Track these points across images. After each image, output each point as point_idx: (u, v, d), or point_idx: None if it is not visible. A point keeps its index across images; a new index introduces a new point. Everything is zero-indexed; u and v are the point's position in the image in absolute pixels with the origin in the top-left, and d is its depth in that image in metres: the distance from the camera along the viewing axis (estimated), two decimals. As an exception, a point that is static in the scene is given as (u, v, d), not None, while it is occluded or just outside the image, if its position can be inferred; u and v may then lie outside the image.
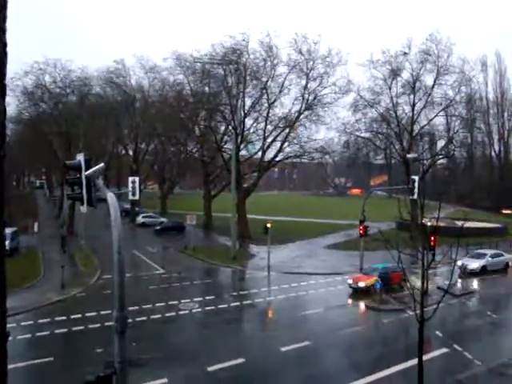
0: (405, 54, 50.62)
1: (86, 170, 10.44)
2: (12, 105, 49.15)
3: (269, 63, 49.39)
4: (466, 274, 33.14)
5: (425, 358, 15.41)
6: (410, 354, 17.48)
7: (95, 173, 10.58)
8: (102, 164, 11.13)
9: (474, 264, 35.17)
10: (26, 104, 53.41)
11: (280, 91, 50.70)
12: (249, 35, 48.00)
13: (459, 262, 31.91)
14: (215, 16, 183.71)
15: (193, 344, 20.51)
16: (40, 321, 23.24)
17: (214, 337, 21.49)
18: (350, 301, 28.37)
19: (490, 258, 36.50)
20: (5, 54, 0.96)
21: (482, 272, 35.14)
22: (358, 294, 29.23)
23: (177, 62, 52.46)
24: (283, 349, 19.73)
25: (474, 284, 32.60)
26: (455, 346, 20.12)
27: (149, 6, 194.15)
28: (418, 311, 14.26)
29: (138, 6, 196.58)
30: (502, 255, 36.62)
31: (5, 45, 0.96)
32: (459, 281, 31.01)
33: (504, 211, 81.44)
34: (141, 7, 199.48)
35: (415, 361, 15.12)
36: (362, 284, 29.38)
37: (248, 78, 50.00)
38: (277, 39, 49.33)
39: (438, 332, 21.30)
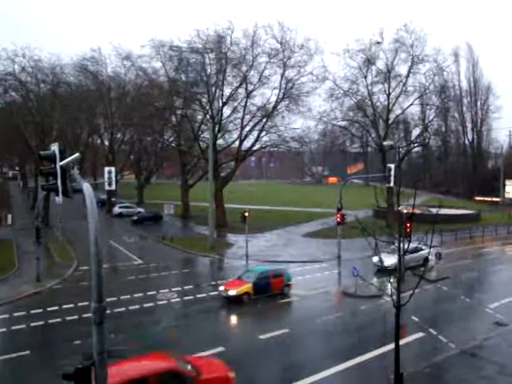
0: (378, 43, 51.09)
1: (60, 161, 10.25)
2: None
3: (250, 53, 49.19)
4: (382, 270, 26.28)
5: (401, 342, 15.76)
6: (387, 339, 17.84)
7: (70, 163, 10.40)
8: (77, 154, 10.95)
9: (389, 260, 29.16)
10: None
11: (259, 80, 50.60)
12: (232, 25, 47.73)
13: (375, 259, 28.81)
14: (195, 4, 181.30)
15: (172, 334, 20.49)
16: (15, 314, 22.86)
17: (192, 326, 21.51)
18: (326, 288, 28.63)
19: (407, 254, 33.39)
20: None
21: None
22: (230, 303, 24.86)
23: (154, 49, 51.66)
24: (262, 336, 19.88)
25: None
26: (430, 330, 20.61)
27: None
28: (395, 297, 14.54)
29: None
30: (421, 249, 30.97)
31: None
32: (433, 267, 31.58)
33: (477, 198, 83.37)
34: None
35: (392, 345, 15.44)
36: (232, 292, 24.90)
37: (228, 67, 49.73)
38: (255, 28, 48.79)
39: (414, 317, 21.75)
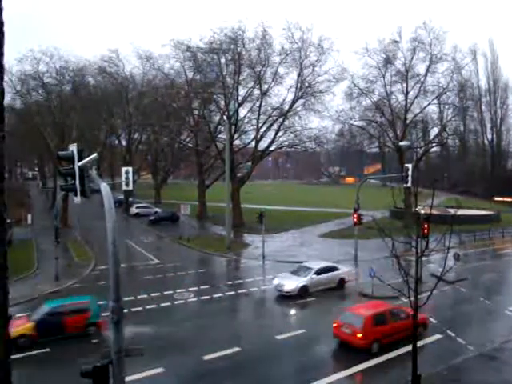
0: (395, 42, 50.63)
1: (79, 161, 10.40)
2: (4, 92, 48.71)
3: (263, 52, 49.21)
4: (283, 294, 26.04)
5: (419, 344, 15.61)
6: (405, 341, 17.70)
7: (88, 163, 10.55)
8: (95, 154, 11.09)
9: (291, 284, 26.28)
10: (18, 93, 52.90)
11: (273, 80, 50.59)
12: (244, 24, 47.86)
13: (275, 281, 27.04)
14: (213, 4, 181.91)
15: (188, 333, 20.60)
16: (35, 312, 23.19)
17: (209, 326, 21.58)
18: (343, 289, 28.45)
19: (314, 275, 27.03)
20: (2, 33, 0.96)
21: (303, 294, 26.11)
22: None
23: (174, 49, 51.92)
24: (278, 337, 19.88)
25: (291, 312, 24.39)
26: (449, 332, 20.37)
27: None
28: (412, 298, 14.40)
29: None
30: (335, 269, 27.94)
31: (2, 24, 0.96)
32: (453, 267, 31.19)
33: (496, 198, 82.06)
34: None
35: (409, 347, 15.30)
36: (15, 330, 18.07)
37: (242, 67, 49.83)
38: (271, 28, 48.91)
39: (432, 318, 21.52)
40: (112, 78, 61.60)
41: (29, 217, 44.23)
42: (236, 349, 18.41)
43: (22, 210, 49.55)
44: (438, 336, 20.05)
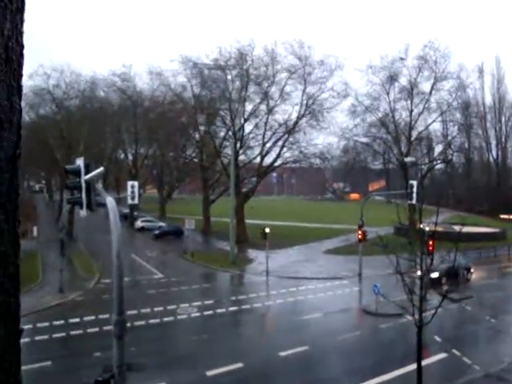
0: (401, 59, 51.03)
1: (85, 175, 10.50)
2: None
3: (270, 69, 49.70)
4: None
5: (423, 363, 15.45)
6: (409, 359, 17.51)
7: (95, 177, 10.64)
8: (101, 168, 11.19)
9: None
10: (27, 107, 53.54)
11: (280, 96, 51.00)
12: (251, 42, 48.48)
13: None
14: (221, 20, 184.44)
15: (191, 348, 20.49)
16: (38, 325, 23.18)
17: (212, 341, 21.46)
18: (346, 306, 28.32)
19: None
20: (22, 56, 1.02)
21: None
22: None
23: (182, 64, 52.48)
24: (282, 353, 19.72)
25: None
26: (454, 351, 20.14)
27: (159, 12, 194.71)
28: (417, 316, 14.30)
29: (149, 11, 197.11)
30: None
31: (22, 47, 1.02)
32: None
33: (502, 216, 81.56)
34: (151, 12, 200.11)
35: (414, 366, 15.14)
36: None
37: (249, 83, 50.30)
38: (277, 45, 49.51)
39: (436, 337, 21.31)
40: (121, 92, 62.19)
41: (35, 229, 44.39)
42: (239, 365, 18.27)
43: (28, 223, 49.73)
44: (443, 355, 19.80)
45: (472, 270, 35.14)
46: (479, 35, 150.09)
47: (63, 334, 22.02)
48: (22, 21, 1.08)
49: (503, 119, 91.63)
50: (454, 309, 27.05)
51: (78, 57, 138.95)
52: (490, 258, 45.17)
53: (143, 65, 68.92)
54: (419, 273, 14.80)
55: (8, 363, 0.99)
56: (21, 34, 1.10)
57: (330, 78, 50.40)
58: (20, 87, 1.12)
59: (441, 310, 15.29)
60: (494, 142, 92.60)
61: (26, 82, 50.05)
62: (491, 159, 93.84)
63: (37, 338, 21.40)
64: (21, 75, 1.11)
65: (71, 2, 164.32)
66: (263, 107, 51.75)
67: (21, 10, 1.07)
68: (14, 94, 1.08)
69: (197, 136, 57.82)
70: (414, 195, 33.79)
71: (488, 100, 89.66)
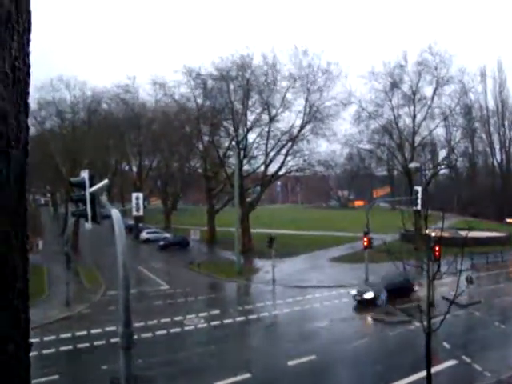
0: (401, 66, 51.16)
1: (90, 187, 10.56)
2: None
3: (271, 78, 49.91)
4: None
5: (433, 370, 15.31)
6: (418, 367, 17.36)
7: (99, 189, 10.69)
8: (106, 181, 11.26)
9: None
10: (33, 120, 53.91)
11: (282, 105, 51.16)
12: (253, 51, 48.77)
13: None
14: (224, 29, 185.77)
15: (199, 360, 20.41)
16: (45, 338, 23.15)
17: (219, 352, 21.37)
18: (355, 314, 28.17)
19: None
20: (28, 75, 1.05)
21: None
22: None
23: (185, 75, 52.72)
24: (290, 363, 19.61)
25: None
26: (464, 358, 19.95)
27: (161, 23, 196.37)
28: (425, 322, 14.21)
29: (152, 22, 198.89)
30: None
31: (29, 67, 1.05)
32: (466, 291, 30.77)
33: (508, 220, 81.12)
34: (154, 24, 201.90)
35: (423, 373, 15.02)
36: None
37: (251, 93, 50.50)
38: (279, 53, 49.93)
39: (445, 344, 21.13)
40: (125, 104, 62.50)
41: (40, 243, 44.49)
42: (247, 375, 18.18)
43: (33, 236, 49.86)
44: (452, 362, 19.63)
45: (416, 289, 29.90)
46: (481, 39, 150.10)
47: (70, 347, 22.00)
48: (28, 41, 1.11)
49: (506, 123, 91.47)
50: (462, 314, 26.86)
51: (80, 68, 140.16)
52: (497, 262, 44.86)
53: (146, 76, 69.38)
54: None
55: (18, 378, 1.01)
56: (27, 54, 1.13)
57: (333, 86, 50.57)
58: (27, 105, 1.15)
59: (449, 316, 15.19)
60: (497, 146, 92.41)
61: (33, 94, 50.63)
62: (495, 163, 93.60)
63: (44, 351, 21.38)
64: (27, 94, 1.14)
65: (74, 14, 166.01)
66: (265, 116, 51.95)
67: (28, 30, 1.10)
68: (21, 112, 1.11)
69: (200, 146, 57.99)
70: (419, 201, 33.70)
71: (491, 104, 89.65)
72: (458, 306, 26.87)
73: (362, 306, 28.71)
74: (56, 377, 18.24)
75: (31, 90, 1.17)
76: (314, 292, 33.13)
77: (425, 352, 14.44)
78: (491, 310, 28.14)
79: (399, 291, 28.34)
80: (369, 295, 28.73)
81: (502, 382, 17.69)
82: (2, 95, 1.01)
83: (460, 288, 14.37)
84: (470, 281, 31.16)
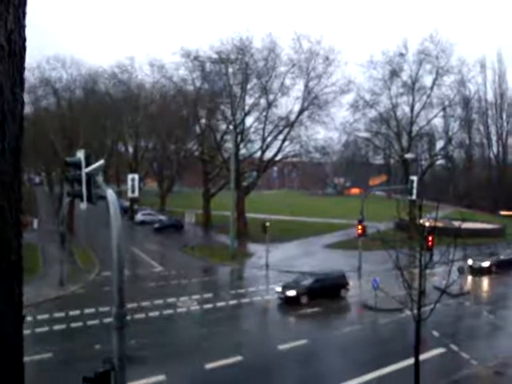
0: (401, 54, 50.83)
1: (86, 167, 10.52)
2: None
3: (270, 62, 49.55)
4: None
5: (422, 357, 15.52)
6: (407, 354, 17.59)
7: (95, 170, 10.66)
8: (102, 161, 11.22)
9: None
10: (28, 99, 53.34)
11: (280, 90, 50.87)
12: (252, 35, 48.26)
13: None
14: (223, 11, 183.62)
15: (191, 341, 20.60)
16: (39, 317, 23.28)
17: (211, 334, 21.56)
18: (346, 301, 28.39)
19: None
20: (24, 49, 1.05)
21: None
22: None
23: (183, 57, 52.23)
24: (281, 347, 19.82)
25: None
26: (452, 346, 20.23)
27: (160, 2, 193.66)
28: (415, 311, 14.36)
29: (150, 4, 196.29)
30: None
31: (24, 40, 1.05)
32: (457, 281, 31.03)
33: (502, 212, 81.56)
34: (152, 3, 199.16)
35: (412, 360, 15.22)
36: None
37: (250, 77, 50.16)
38: (278, 39, 49.34)
39: (435, 332, 21.39)
40: (123, 84, 61.96)
41: (35, 222, 44.44)
42: (238, 358, 18.37)
43: (28, 215, 49.72)
44: (440, 350, 19.91)
45: (349, 286, 28.91)
46: (481, 29, 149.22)
47: (63, 326, 22.13)
48: (24, 14, 1.10)
49: (504, 115, 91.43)
50: (452, 304, 27.16)
51: (78, 48, 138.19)
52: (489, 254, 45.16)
53: (144, 56, 68.43)
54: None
55: (12, 347, 1.02)
56: (23, 27, 1.12)
57: (332, 72, 50.26)
58: (22, 79, 1.14)
59: (439, 306, 15.36)
60: (494, 138, 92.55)
61: (29, 73, 50.03)
62: (492, 155, 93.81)
63: (37, 330, 21.51)
64: (23, 68, 1.14)
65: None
66: (264, 101, 51.68)
67: (23, 3, 1.10)
68: (17, 86, 1.11)
69: (197, 129, 57.76)
70: (415, 191, 33.81)
71: (490, 96, 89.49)
72: (449, 295, 27.19)
73: (287, 303, 26.55)
74: (49, 355, 18.38)
75: (27, 67, 1.17)
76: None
77: (414, 340, 14.62)
78: (481, 301, 28.48)
79: (329, 288, 26.93)
80: (291, 293, 26.51)
81: (488, 369, 17.98)
82: (-2, 68, 1.01)
83: (451, 278, 14.50)
84: (461, 271, 31.45)
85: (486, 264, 36.18)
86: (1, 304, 1.00)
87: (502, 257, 37.86)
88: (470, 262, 35.50)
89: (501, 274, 34.79)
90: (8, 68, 1.07)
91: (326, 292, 26.65)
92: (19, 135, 1.12)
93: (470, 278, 33.48)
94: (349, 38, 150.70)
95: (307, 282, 27.23)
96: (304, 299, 26.29)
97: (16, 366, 1.09)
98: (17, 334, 1.06)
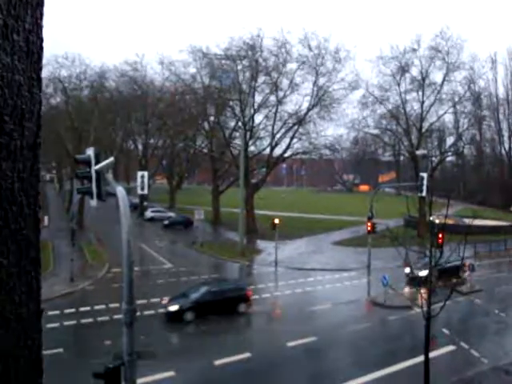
0: (414, 50, 50.45)
1: (95, 164, 10.59)
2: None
3: (280, 59, 49.49)
4: None
5: (431, 355, 15.49)
6: (417, 351, 17.56)
7: (105, 167, 10.73)
8: (111, 158, 11.29)
9: None
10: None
11: (290, 87, 50.79)
12: (263, 31, 48.29)
13: None
14: (232, 9, 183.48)
15: (200, 338, 20.68)
16: (49, 313, 23.49)
17: (220, 331, 21.64)
18: (355, 297, 28.36)
19: None
20: (41, 49, 1.08)
21: None
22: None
23: (191, 54, 52.34)
24: (290, 344, 19.86)
25: None
26: (462, 344, 20.15)
27: (168, 2, 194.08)
28: (425, 308, 14.33)
29: (158, 1, 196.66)
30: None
31: (42, 40, 1.08)
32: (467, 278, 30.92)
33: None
34: (160, 2, 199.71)
35: (422, 358, 15.20)
36: None
37: (259, 73, 50.15)
38: (288, 35, 49.23)
39: (445, 330, 21.31)
40: (132, 82, 62.20)
41: (45, 218, 44.81)
42: (247, 354, 18.44)
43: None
44: (451, 347, 19.83)
45: (250, 301, 24.53)
46: (492, 25, 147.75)
47: (74, 322, 22.34)
48: (41, 15, 1.13)
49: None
50: (462, 302, 27.01)
51: (86, 46, 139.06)
52: (500, 251, 44.90)
53: (153, 54, 68.65)
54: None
55: (31, 341, 1.05)
56: (41, 27, 1.14)
57: (341, 68, 50.08)
58: (40, 79, 1.17)
59: (449, 303, 15.30)
60: (506, 135, 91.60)
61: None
62: (503, 152, 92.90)
63: (48, 325, 21.73)
64: (40, 68, 1.17)
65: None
66: (273, 98, 51.63)
67: (41, 4, 1.12)
68: (35, 85, 1.13)
69: (206, 126, 57.86)
70: (424, 187, 33.63)
71: (501, 91, 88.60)
72: (460, 293, 27.05)
73: (168, 321, 23.04)
74: (60, 350, 18.57)
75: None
76: (315, 275, 33.37)
77: (424, 337, 14.59)
78: (492, 299, 28.27)
79: (224, 302, 22.93)
80: (173, 307, 22.98)
81: (498, 368, 17.88)
82: (17, 68, 1.04)
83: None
84: (472, 269, 31.28)
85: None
86: (21, 299, 1.03)
87: None
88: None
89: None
90: (26, 68, 1.09)
91: (219, 307, 22.82)
92: (37, 133, 1.15)
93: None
94: (358, 33, 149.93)
95: (196, 294, 23.35)
96: (189, 316, 22.32)
97: (36, 359, 1.13)
98: (36, 328, 1.09)
